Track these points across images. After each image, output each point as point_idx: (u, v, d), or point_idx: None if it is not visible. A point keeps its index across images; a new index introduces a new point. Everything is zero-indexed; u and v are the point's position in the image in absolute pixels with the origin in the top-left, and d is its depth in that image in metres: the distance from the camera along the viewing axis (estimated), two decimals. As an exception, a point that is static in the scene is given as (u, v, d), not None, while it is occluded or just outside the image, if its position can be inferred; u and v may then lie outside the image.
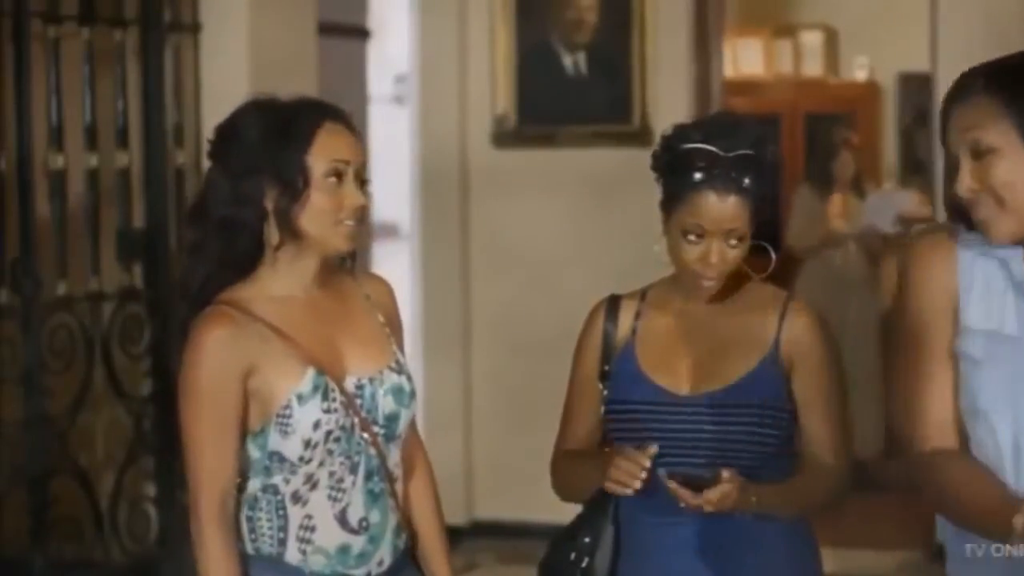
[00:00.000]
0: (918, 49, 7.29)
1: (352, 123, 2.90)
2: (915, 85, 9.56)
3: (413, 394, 2.95)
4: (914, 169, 9.44)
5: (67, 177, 5.42)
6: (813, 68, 10.34)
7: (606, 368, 3.11)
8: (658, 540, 3.01)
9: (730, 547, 3.00)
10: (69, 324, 5.42)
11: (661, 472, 2.87)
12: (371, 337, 2.95)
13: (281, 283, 2.88)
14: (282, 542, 2.86)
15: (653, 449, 2.92)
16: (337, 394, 2.83)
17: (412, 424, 3.03)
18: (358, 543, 2.88)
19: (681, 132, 3.04)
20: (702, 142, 2.99)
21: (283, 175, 2.81)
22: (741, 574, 3.01)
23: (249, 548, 2.88)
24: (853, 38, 10.33)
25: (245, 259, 2.86)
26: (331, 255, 2.90)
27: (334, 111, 2.89)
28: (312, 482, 2.84)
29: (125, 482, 5.61)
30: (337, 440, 2.83)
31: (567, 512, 3.20)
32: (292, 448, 2.81)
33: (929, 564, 6.63)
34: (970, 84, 2.55)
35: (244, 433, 2.82)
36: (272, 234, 2.84)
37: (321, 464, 2.83)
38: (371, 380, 2.89)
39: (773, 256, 3.10)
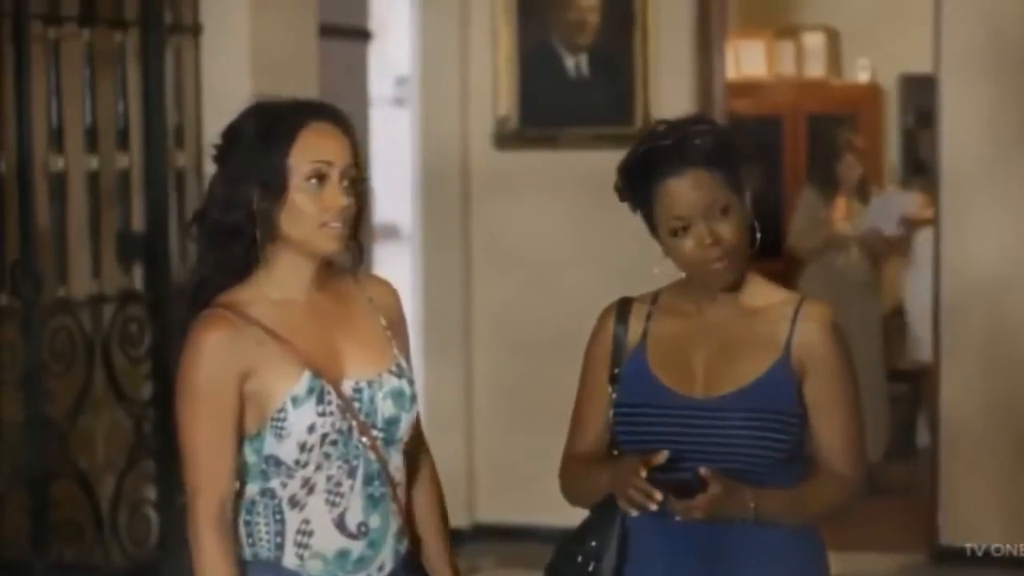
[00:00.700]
0: (920, 50, 7.28)
1: (346, 122, 2.86)
2: (917, 86, 9.54)
3: (414, 398, 2.92)
4: (916, 171, 9.42)
5: (67, 179, 5.42)
6: (815, 69, 10.32)
7: (616, 371, 3.07)
8: (664, 545, 2.97)
9: (737, 553, 2.96)
10: (69, 327, 5.41)
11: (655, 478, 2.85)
12: (371, 340, 2.92)
13: (279, 285, 2.86)
14: (279, 547, 2.84)
15: (661, 456, 2.88)
16: (333, 397, 2.81)
17: (417, 428, 3.00)
18: (357, 548, 2.85)
19: (624, 159, 3.02)
20: (643, 150, 2.98)
21: (264, 177, 2.79)
22: (747, 580, 2.98)
23: (247, 553, 2.86)
24: (855, 39, 10.31)
25: (240, 262, 2.84)
26: (319, 257, 2.87)
27: (325, 110, 2.86)
28: (309, 486, 2.82)
29: (126, 485, 5.60)
30: (334, 444, 2.81)
31: (569, 514, 3.18)
32: (287, 451, 2.79)
33: (931, 567, 6.63)
34: None
35: (242, 437, 2.81)
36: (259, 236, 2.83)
37: (318, 468, 2.81)
38: (370, 383, 2.87)
39: (757, 235, 3.02)
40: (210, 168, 2.93)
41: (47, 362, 5.30)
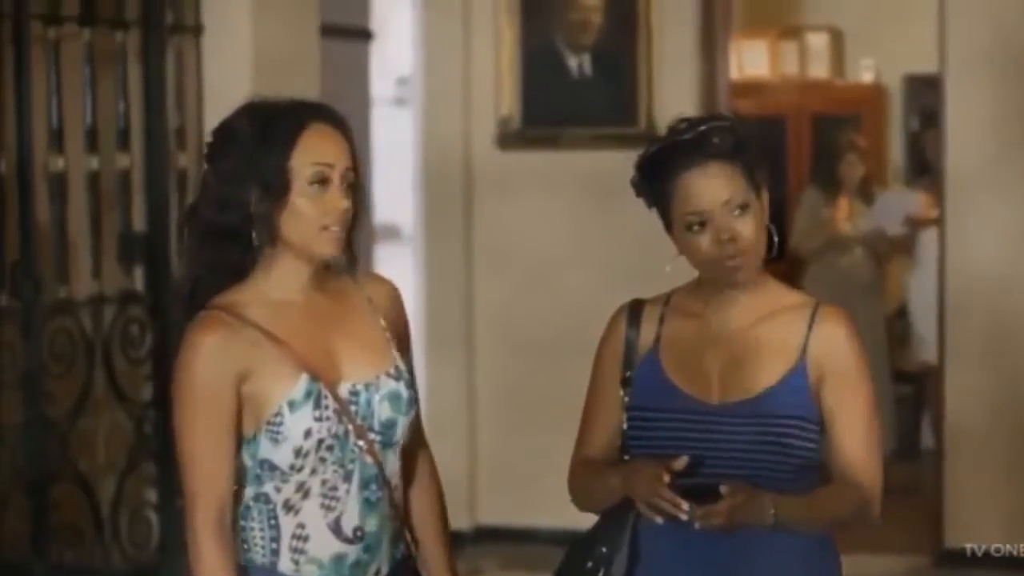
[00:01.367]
0: (924, 50, 7.26)
1: (344, 123, 2.83)
2: (921, 86, 9.52)
3: (412, 401, 2.88)
4: (921, 171, 9.40)
5: (68, 179, 5.40)
6: (819, 70, 10.31)
7: (628, 374, 3.02)
8: (676, 552, 2.92)
9: (751, 561, 2.91)
10: (70, 328, 5.39)
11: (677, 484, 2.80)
12: (370, 341, 2.88)
13: (277, 286, 2.83)
14: (275, 552, 2.81)
15: (681, 462, 2.83)
16: (330, 401, 2.78)
17: (418, 430, 2.97)
18: (353, 552, 2.82)
19: (642, 153, 2.98)
20: (662, 144, 2.94)
21: (265, 179, 2.75)
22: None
23: (242, 558, 2.83)
24: (859, 40, 10.30)
25: (236, 265, 2.81)
26: (317, 260, 2.83)
27: (323, 111, 2.83)
28: (304, 490, 2.79)
29: (126, 487, 5.58)
30: (330, 448, 2.78)
31: (572, 517, 3.16)
32: (282, 456, 2.77)
33: (935, 568, 6.61)
34: None
35: (240, 440, 2.78)
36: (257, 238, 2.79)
37: (313, 472, 2.78)
38: (367, 386, 2.83)
39: (775, 238, 2.97)
40: (211, 168, 2.90)
41: (47, 363, 5.29)
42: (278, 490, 2.80)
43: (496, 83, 6.95)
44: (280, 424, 2.75)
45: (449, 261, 7.04)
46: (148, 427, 5.62)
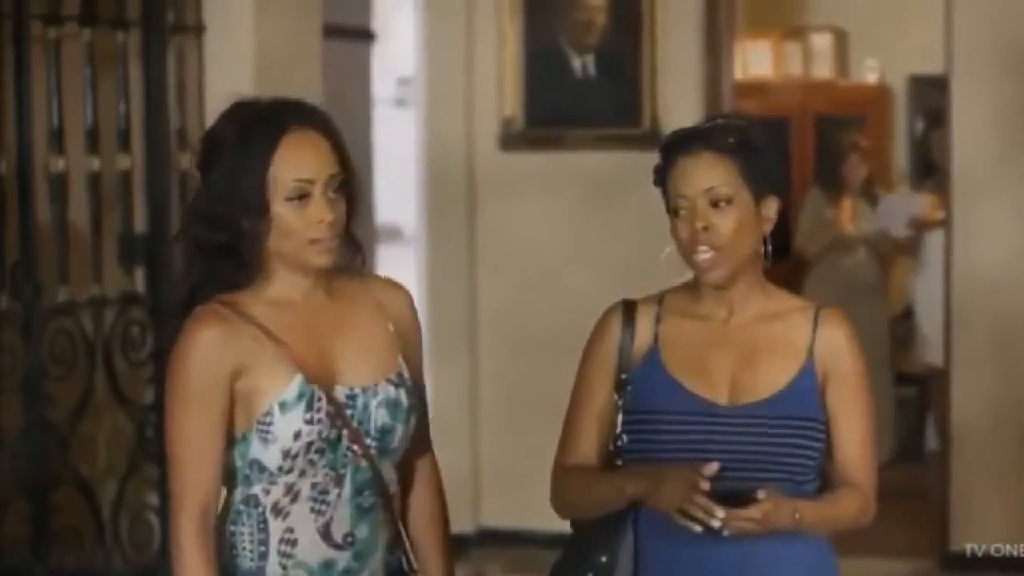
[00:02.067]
0: (928, 51, 7.25)
1: (327, 123, 2.78)
2: (925, 87, 9.51)
3: (412, 409, 2.84)
4: (926, 172, 9.38)
5: (68, 181, 5.37)
6: (823, 70, 10.30)
7: (623, 377, 2.98)
8: (677, 561, 2.88)
9: (757, 569, 2.88)
10: (70, 330, 5.37)
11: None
12: (373, 345, 2.84)
13: (280, 287, 2.80)
14: (263, 556, 2.77)
15: (712, 468, 2.78)
16: (323, 404, 2.74)
17: (423, 438, 2.93)
18: (343, 559, 2.78)
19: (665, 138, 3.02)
20: (681, 131, 2.98)
21: (245, 198, 2.71)
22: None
23: (230, 563, 2.78)
24: (863, 40, 10.29)
25: (231, 276, 2.77)
26: (313, 269, 2.79)
27: (304, 112, 2.77)
28: (293, 493, 2.75)
29: (127, 491, 5.56)
30: (320, 452, 2.74)
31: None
32: (271, 457, 2.73)
33: (941, 572, 6.58)
34: None
35: (231, 439, 2.74)
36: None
37: (302, 474, 2.74)
38: (364, 390, 2.79)
39: (768, 246, 2.97)
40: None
41: (47, 366, 5.26)
42: (267, 492, 2.76)
43: (499, 84, 6.93)
44: (270, 424, 2.72)
45: (452, 262, 7.02)
46: (149, 430, 5.59)
